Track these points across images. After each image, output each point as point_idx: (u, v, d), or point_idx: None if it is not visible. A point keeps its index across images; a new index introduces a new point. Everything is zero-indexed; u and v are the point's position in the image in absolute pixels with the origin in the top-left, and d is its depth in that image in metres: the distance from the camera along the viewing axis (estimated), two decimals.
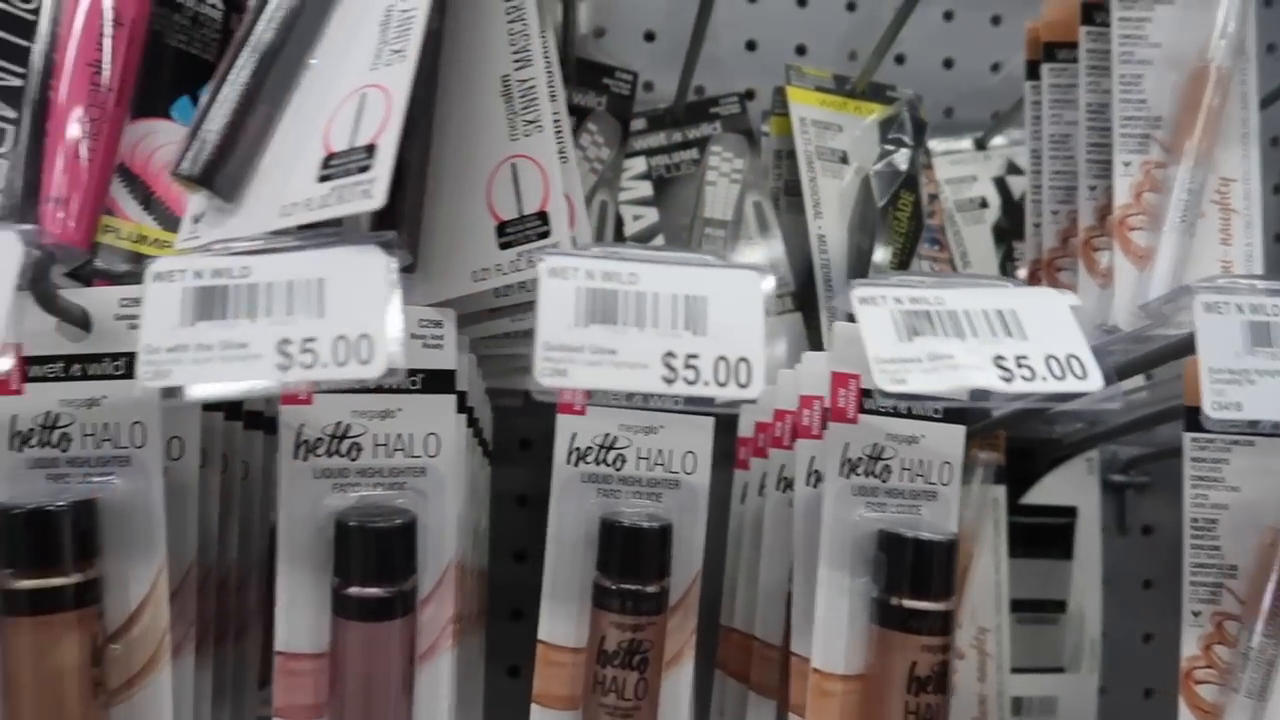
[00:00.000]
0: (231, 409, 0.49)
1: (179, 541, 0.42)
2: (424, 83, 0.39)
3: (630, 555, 0.41)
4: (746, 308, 0.35)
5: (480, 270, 0.42)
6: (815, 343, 0.66)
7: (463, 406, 0.44)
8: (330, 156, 0.34)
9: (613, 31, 0.76)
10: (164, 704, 0.39)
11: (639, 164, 0.71)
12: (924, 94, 0.72)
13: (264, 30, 0.36)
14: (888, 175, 0.63)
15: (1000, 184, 0.74)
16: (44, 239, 0.33)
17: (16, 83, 0.39)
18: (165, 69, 0.43)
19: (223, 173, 0.35)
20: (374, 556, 0.39)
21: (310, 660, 0.41)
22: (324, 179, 0.34)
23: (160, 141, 0.42)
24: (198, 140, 0.35)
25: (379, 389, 0.41)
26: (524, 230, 0.41)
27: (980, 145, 0.76)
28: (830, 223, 0.64)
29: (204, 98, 0.36)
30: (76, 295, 0.39)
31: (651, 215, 0.71)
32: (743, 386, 0.34)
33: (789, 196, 0.71)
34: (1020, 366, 0.34)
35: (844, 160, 0.66)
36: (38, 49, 0.39)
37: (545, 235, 0.40)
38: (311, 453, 0.41)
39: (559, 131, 0.42)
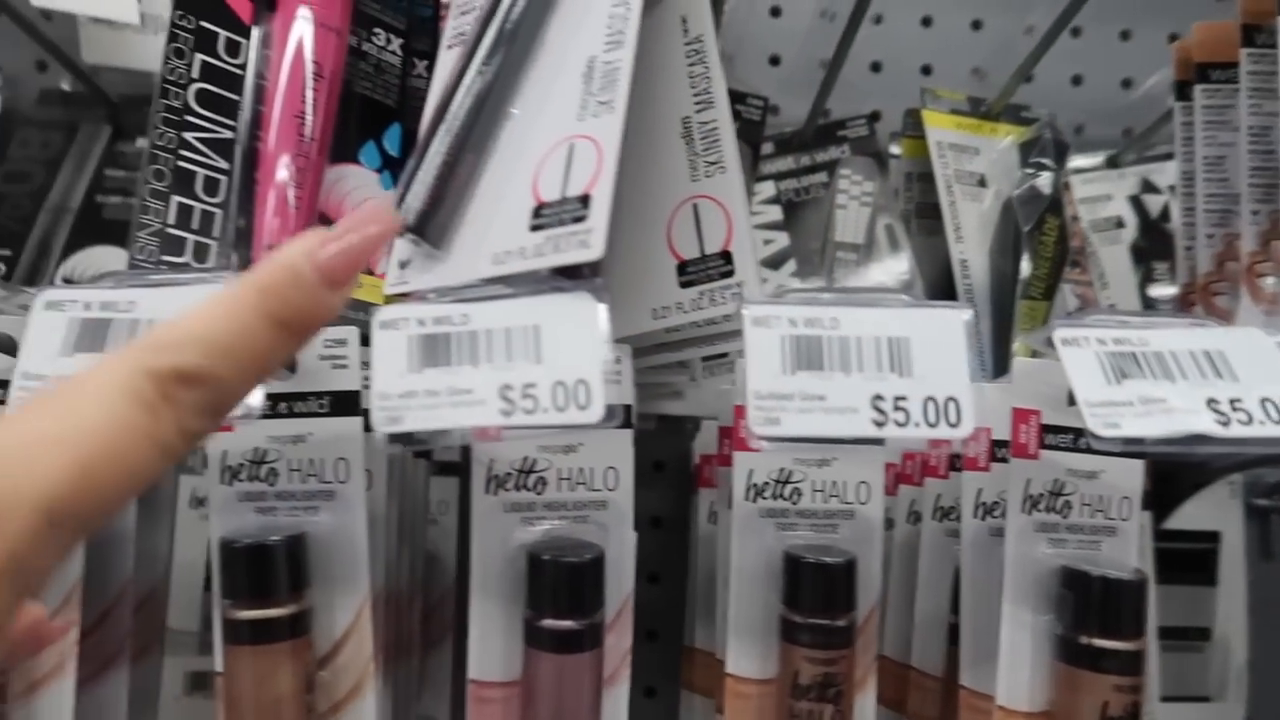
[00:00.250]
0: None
1: (376, 570, 0.43)
2: None
3: (820, 590, 0.42)
4: (949, 346, 0.35)
5: (660, 308, 0.43)
6: None
7: None
8: (541, 206, 0.35)
9: (739, 57, 0.76)
10: None
11: (768, 188, 0.72)
12: (1054, 111, 0.72)
13: (472, 81, 0.37)
14: (1031, 199, 0.62)
15: (1136, 203, 0.73)
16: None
17: (228, 135, 0.41)
18: (353, 115, 0.44)
19: (434, 222, 0.37)
20: (568, 590, 0.40)
21: (500, 689, 0.42)
22: (536, 228, 0.35)
23: (350, 185, 0.44)
24: (411, 191, 0.37)
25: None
26: (706, 269, 0.41)
27: (1113, 163, 0.75)
28: (972, 247, 0.64)
29: (416, 149, 0.37)
30: None
31: (782, 239, 0.71)
32: (953, 426, 0.34)
33: (920, 219, 0.70)
34: (1235, 410, 0.34)
35: (982, 183, 0.66)
36: (246, 102, 0.42)
37: (729, 275, 0.41)
38: (501, 487, 0.42)
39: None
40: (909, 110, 0.70)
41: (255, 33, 0.42)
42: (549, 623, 0.40)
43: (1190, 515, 0.70)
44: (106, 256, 0.64)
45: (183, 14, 0.42)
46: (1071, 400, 0.42)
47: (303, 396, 0.41)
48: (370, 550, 0.44)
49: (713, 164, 0.41)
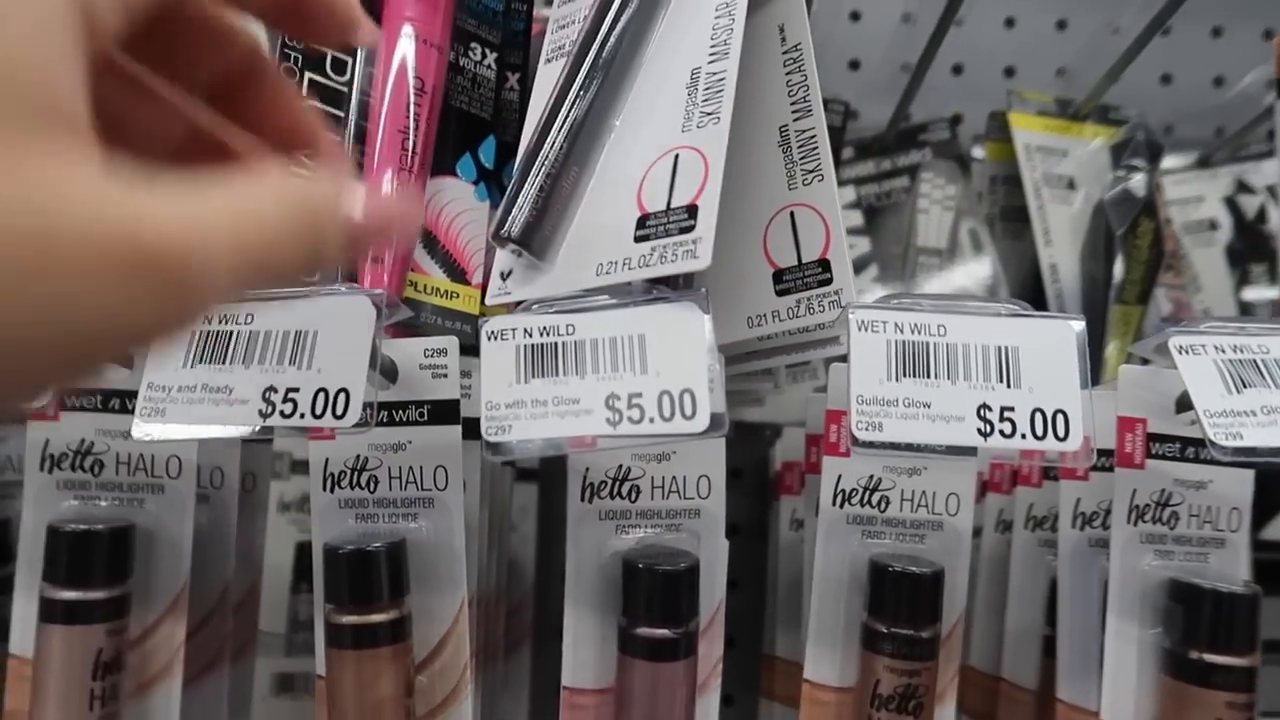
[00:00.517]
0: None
1: (470, 576, 0.44)
2: None
3: (906, 600, 0.41)
4: (1060, 358, 0.34)
5: (756, 316, 0.42)
6: None
7: None
8: (645, 217, 0.35)
9: (820, 60, 0.76)
10: None
11: (848, 193, 0.71)
12: (1142, 110, 0.70)
13: (576, 95, 0.37)
14: (1124, 201, 0.61)
15: (1231, 204, 0.71)
16: (383, 301, 0.35)
17: None
18: (450, 129, 0.45)
19: (539, 235, 0.37)
20: (664, 598, 0.40)
21: (594, 695, 0.42)
22: (642, 239, 0.35)
23: (448, 198, 0.44)
24: (515, 205, 0.37)
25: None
26: (803, 277, 0.41)
27: (1204, 163, 0.73)
28: (1062, 251, 0.62)
29: (519, 162, 0.37)
30: (385, 347, 0.41)
31: (863, 245, 0.70)
32: (1061, 440, 0.34)
33: (1005, 222, 0.69)
34: None
35: (1071, 186, 0.65)
36: (350, 118, 0.42)
37: (827, 283, 0.41)
38: (596, 495, 0.43)
39: None
40: (994, 112, 0.69)
41: (360, 51, 0.43)
42: (644, 630, 0.40)
43: None
44: None
45: None
46: (1179, 408, 0.41)
47: (403, 405, 0.42)
48: (470, 555, 0.44)
49: (810, 172, 0.41)
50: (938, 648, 0.43)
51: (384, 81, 0.42)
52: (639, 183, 0.36)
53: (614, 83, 0.38)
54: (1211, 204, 0.71)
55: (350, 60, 0.43)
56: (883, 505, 0.45)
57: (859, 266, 0.70)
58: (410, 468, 0.42)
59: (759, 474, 0.72)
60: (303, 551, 0.68)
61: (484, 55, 0.46)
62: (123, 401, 0.43)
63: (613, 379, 0.34)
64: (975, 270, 0.68)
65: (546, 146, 0.37)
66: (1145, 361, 0.40)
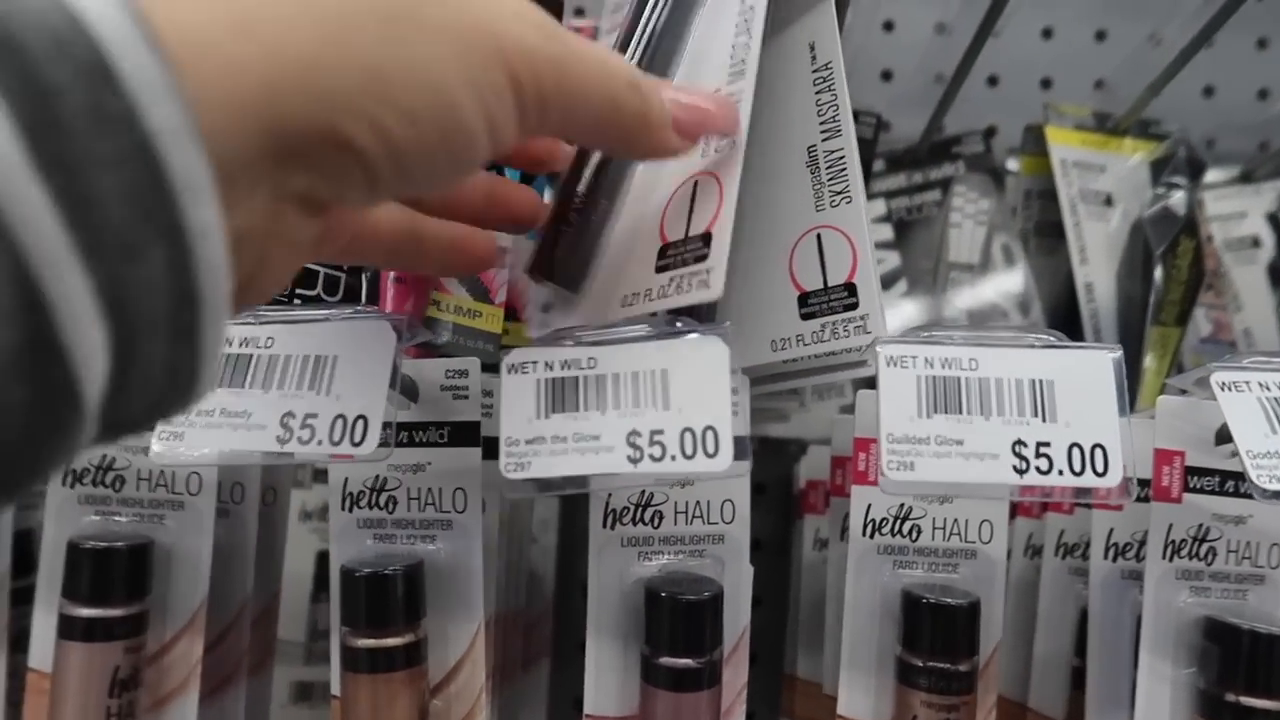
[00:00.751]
0: None
1: (488, 596, 0.43)
2: None
3: (942, 633, 0.40)
4: (1097, 389, 0.33)
5: (780, 340, 0.41)
6: None
7: None
8: (666, 246, 0.35)
9: (852, 71, 0.74)
10: None
11: (878, 207, 0.70)
12: (1183, 124, 0.68)
13: None
14: (1164, 219, 0.59)
15: (1274, 220, 0.69)
16: (404, 325, 0.35)
17: None
18: None
19: (569, 268, 0.36)
20: (687, 628, 0.39)
21: None
22: (661, 269, 0.34)
23: None
24: (548, 238, 0.36)
25: None
26: (829, 301, 0.40)
27: (1247, 178, 0.71)
28: (1098, 270, 0.61)
29: (555, 195, 0.37)
30: (406, 366, 0.41)
31: (893, 259, 0.69)
32: (1100, 475, 0.33)
33: (1040, 238, 0.68)
34: None
35: (1108, 203, 0.63)
36: None
37: (853, 307, 0.40)
38: (619, 521, 0.42)
39: None
40: (1029, 126, 0.68)
41: None
42: (667, 660, 0.39)
43: None
44: None
45: None
46: (1219, 440, 0.40)
47: (423, 426, 0.41)
48: (488, 576, 0.44)
49: (839, 194, 0.40)
50: (975, 680, 0.42)
51: None
52: (662, 212, 0.36)
53: None
54: (1254, 220, 0.69)
55: None
56: (914, 534, 0.44)
57: (889, 281, 0.68)
58: (429, 489, 0.41)
59: (783, 490, 0.71)
60: (323, 561, 0.68)
61: None
62: None
63: (634, 415, 0.33)
64: (1008, 287, 0.67)
65: (578, 179, 0.36)
66: (1183, 391, 0.39)
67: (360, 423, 0.34)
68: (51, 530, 0.42)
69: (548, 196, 0.42)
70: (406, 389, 0.40)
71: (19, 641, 0.45)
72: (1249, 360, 0.34)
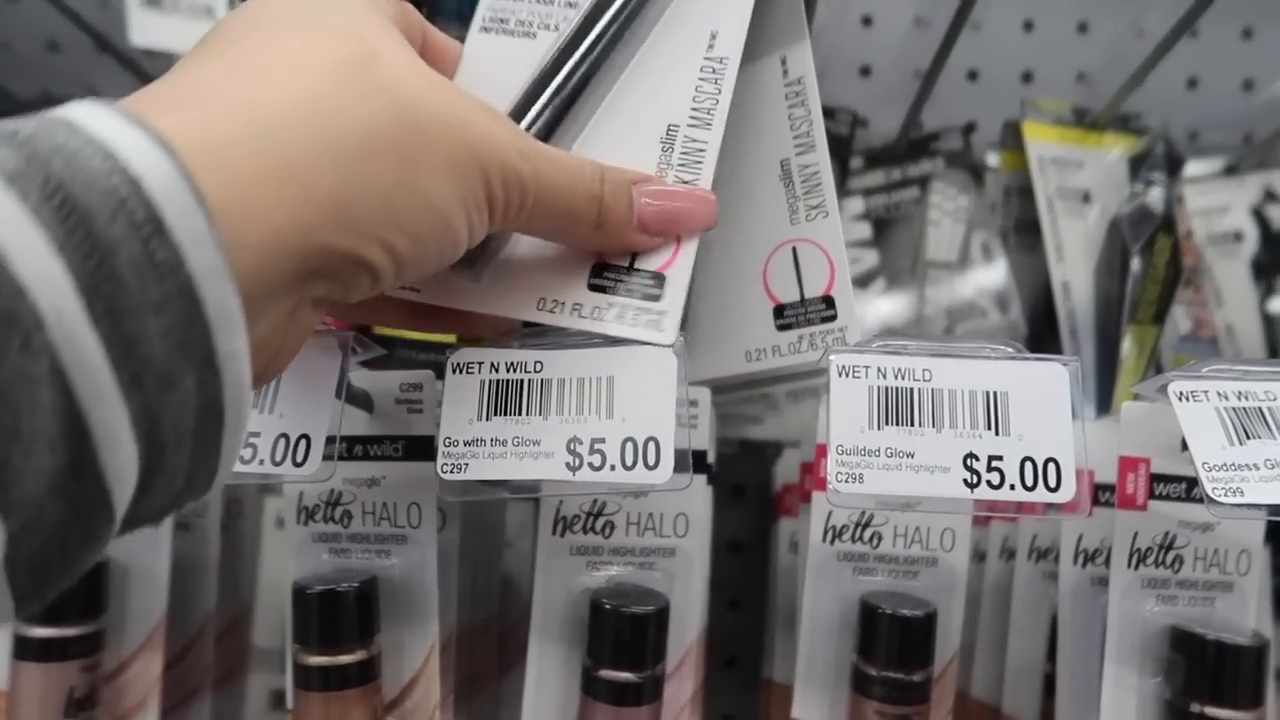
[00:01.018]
0: None
1: (447, 609, 0.43)
2: None
3: (897, 643, 0.40)
4: (1052, 403, 0.33)
5: (755, 350, 0.41)
6: None
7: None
8: (602, 265, 0.34)
9: (829, 68, 0.74)
10: None
11: (856, 204, 0.69)
12: (1166, 116, 0.67)
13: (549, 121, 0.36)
14: (1141, 217, 0.58)
15: (1257, 214, 0.68)
16: (349, 341, 0.34)
17: None
18: None
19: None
20: (628, 641, 0.39)
21: None
22: (596, 288, 0.34)
23: None
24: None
25: None
26: (806, 313, 0.40)
27: (1232, 171, 0.70)
28: (1075, 268, 0.60)
29: None
30: (360, 378, 0.40)
31: (870, 258, 0.68)
32: (1052, 490, 0.32)
33: (1019, 235, 0.67)
34: None
35: (1086, 199, 0.62)
36: None
37: (831, 319, 0.39)
38: (569, 529, 0.41)
39: None
40: (1008, 121, 0.67)
41: None
42: (606, 673, 0.39)
43: None
44: None
45: None
46: (1185, 446, 0.39)
47: (378, 440, 0.41)
48: (444, 587, 0.43)
49: (814, 208, 0.40)
50: (929, 690, 0.41)
51: None
52: None
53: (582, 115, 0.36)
54: (1237, 214, 0.68)
55: None
56: (875, 541, 0.43)
57: (867, 280, 0.68)
58: (384, 504, 0.41)
59: (762, 492, 0.71)
60: None
61: None
62: None
63: (576, 422, 0.32)
64: (987, 285, 0.66)
65: None
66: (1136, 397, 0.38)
67: (303, 442, 0.33)
68: None
69: None
70: (360, 399, 0.40)
71: None
72: (1207, 369, 0.34)
